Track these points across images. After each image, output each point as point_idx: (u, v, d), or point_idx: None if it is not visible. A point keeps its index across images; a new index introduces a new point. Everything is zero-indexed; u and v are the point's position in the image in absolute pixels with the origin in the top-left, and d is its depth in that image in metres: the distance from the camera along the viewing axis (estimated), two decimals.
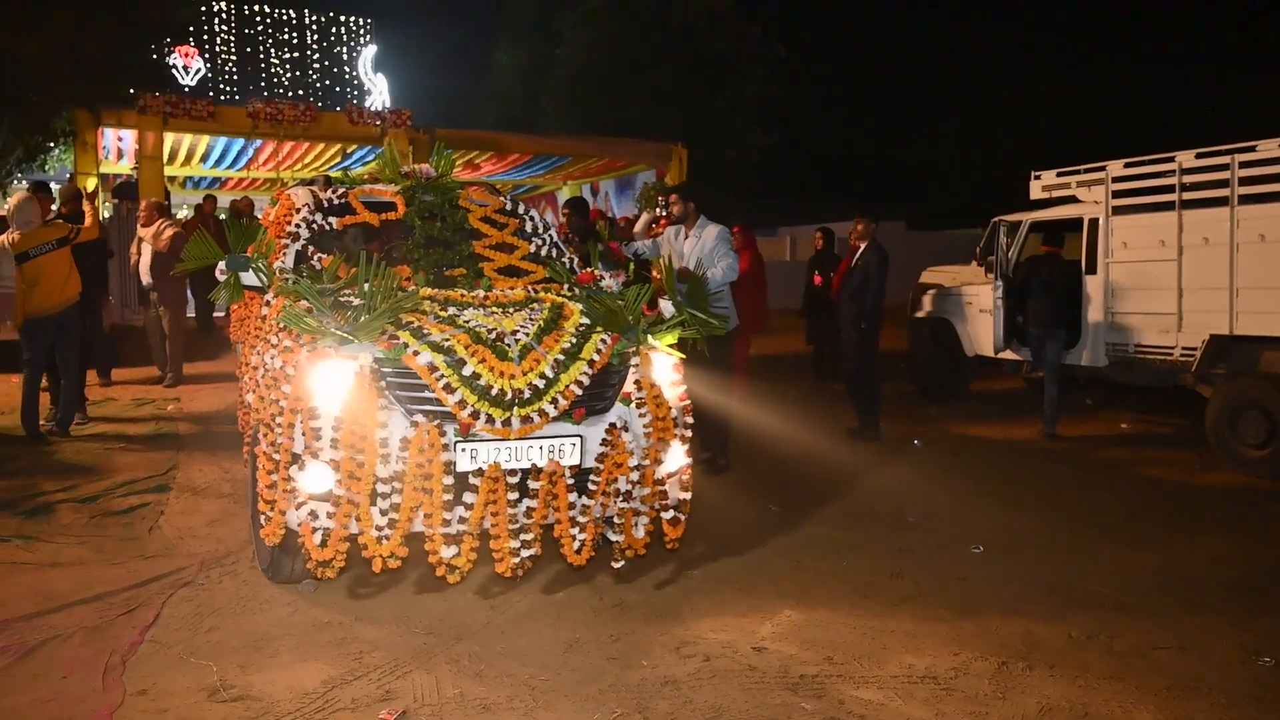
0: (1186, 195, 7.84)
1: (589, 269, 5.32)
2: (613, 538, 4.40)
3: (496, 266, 5.19)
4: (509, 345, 4.05)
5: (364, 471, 3.78)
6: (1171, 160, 7.97)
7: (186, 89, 29.39)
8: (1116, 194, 8.50)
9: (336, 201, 5.39)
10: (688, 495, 4.52)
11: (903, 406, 9.88)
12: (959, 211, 28.93)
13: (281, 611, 4.20)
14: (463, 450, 3.93)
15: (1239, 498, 6.69)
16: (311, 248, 5.04)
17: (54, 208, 9.09)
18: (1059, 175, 9.25)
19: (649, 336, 4.46)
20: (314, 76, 43.53)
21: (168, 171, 16.38)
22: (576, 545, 4.12)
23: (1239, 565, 5.17)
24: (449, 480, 3.84)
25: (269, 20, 42.41)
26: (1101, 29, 33.27)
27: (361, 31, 44.45)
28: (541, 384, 3.98)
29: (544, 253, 5.54)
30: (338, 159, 17.76)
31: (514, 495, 3.94)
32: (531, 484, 3.98)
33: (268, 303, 4.58)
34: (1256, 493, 6.82)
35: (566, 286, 5.04)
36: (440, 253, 5.11)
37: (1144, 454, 8.02)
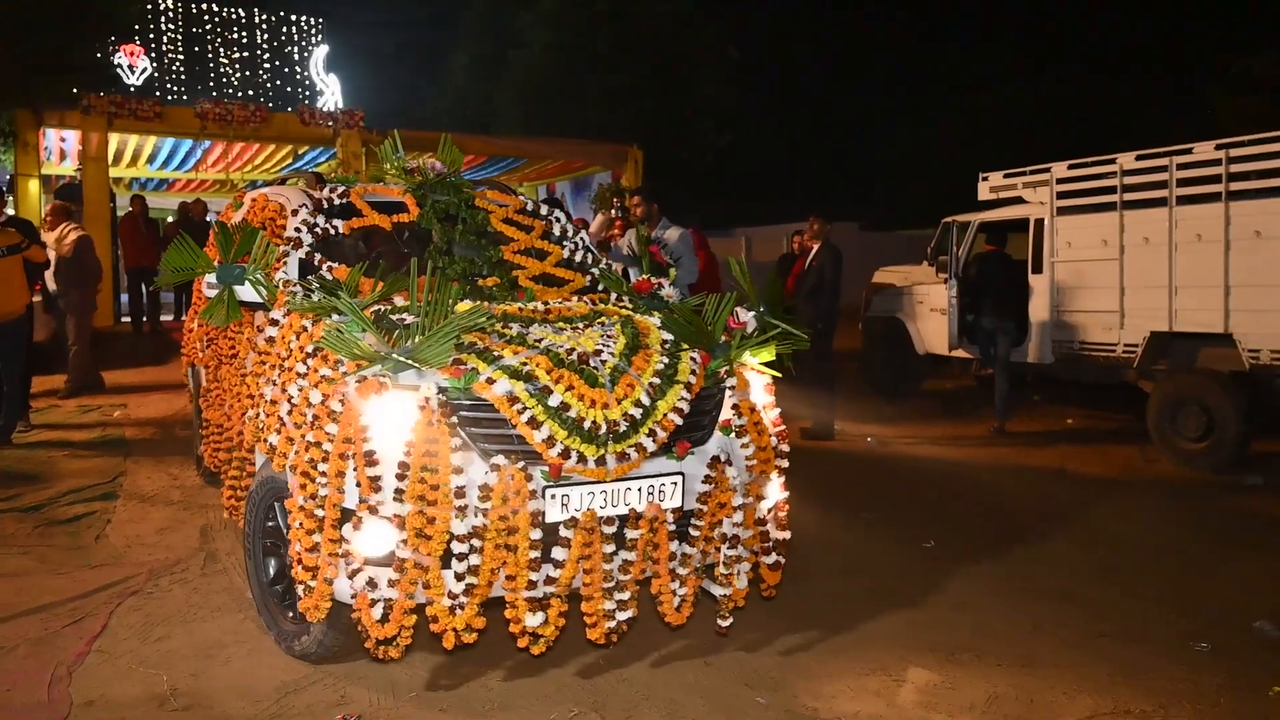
0: (1127, 196, 8.04)
1: (644, 276, 4.78)
2: (717, 591, 3.74)
3: (530, 275, 4.61)
4: (596, 368, 3.45)
5: (436, 528, 3.12)
6: (1113, 162, 8.17)
7: (132, 88, 28.85)
8: (1061, 195, 8.68)
9: (337, 202, 4.69)
10: (787, 534, 3.90)
11: (857, 405, 10.01)
12: (912, 213, 29.29)
13: (234, 619, 4.15)
14: (552, 497, 3.28)
15: (1180, 490, 6.87)
16: (319, 256, 4.34)
17: (8, 212, 8.92)
18: (1006, 176, 9.43)
19: (743, 353, 3.90)
20: (264, 76, 42.91)
21: (113, 173, 16.08)
22: (677, 601, 3.56)
23: (1179, 556, 5.32)
24: (537, 534, 3.21)
25: (217, 19, 41.75)
26: (1054, 35, 33.97)
27: (313, 31, 43.90)
28: (638, 414, 3.39)
29: (578, 258, 4.95)
30: (289, 160, 17.55)
31: (609, 547, 3.33)
32: (629, 533, 3.38)
33: (273, 321, 3.90)
34: (1196, 485, 7.01)
35: (612, 296, 4.56)
36: (467, 260, 4.50)
37: (1089, 449, 8.20)
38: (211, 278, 4.14)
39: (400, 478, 3.14)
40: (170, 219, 16.31)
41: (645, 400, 3.42)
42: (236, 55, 42.14)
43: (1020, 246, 9.18)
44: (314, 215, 4.53)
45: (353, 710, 3.34)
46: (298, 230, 4.43)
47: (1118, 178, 8.09)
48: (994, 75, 32.77)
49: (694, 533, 3.55)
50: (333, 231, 4.51)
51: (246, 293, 4.12)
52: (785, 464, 3.91)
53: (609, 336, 3.69)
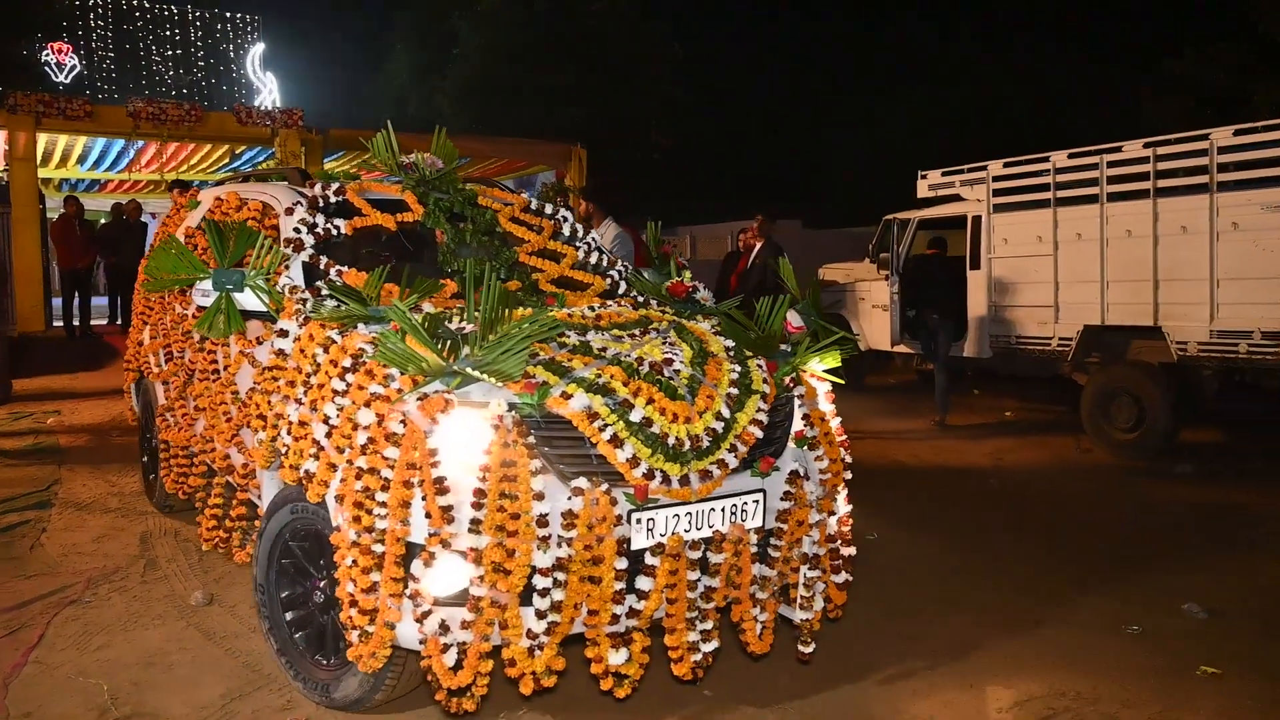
0: (1061, 194, 8.26)
1: (676, 278, 4.48)
2: (798, 616, 3.48)
3: (548, 278, 4.27)
4: (671, 379, 3.18)
5: (517, 562, 2.80)
6: (1046, 160, 8.38)
7: (60, 87, 28.09)
8: (997, 192, 8.89)
9: (334, 200, 4.22)
10: (853, 550, 3.64)
11: None
12: (855, 210, 29.64)
13: (176, 626, 4.09)
14: (637, 522, 3.00)
15: (1113, 479, 7.08)
16: (324, 259, 3.87)
17: None
18: (943, 175, 9.62)
19: (808, 360, 3.67)
20: (198, 75, 42.04)
21: (41, 174, 15.64)
22: (759, 629, 3.34)
23: (1112, 542, 5.48)
24: (622, 563, 2.93)
25: (148, 16, 40.79)
26: (992, 36, 34.69)
27: (249, 29, 43.11)
28: (720, 427, 3.16)
29: (593, 260, 4.63)
30: (226, 160, 17.26)
31: (693, 574, 3.09)
32: (711, 557, 3.13)
33: (282, 332, 3.53)
34: (1128, 473, 7.22)
35: (637, 299, 4.28)
36: (482, 262, 4.12)
37: (1027, 440, 8.40)
38: (206, 284, 3.72)
39: (477, 506, 2.80)
40: (104, 220, 15.91)
41: (725, 412, 3.20)
42: (169, 53, 41.22)
43: (958, 243, 9.37)
44: (313, 214, 4.05)
45: (300, 714, 3.31)
46: (297, 231, 3.95)
47: (1051, 175, 8.30)
48: (935, 75, 33.30)
49: (774, 553, 3.33)
50: (335, 232, 4.04)
51: (249, 300, 3.73)
52: (849, 476, 3.69)
53: (671, 344, 3.42)
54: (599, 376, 3.04)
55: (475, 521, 2.80)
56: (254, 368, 3.84)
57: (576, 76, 26.60)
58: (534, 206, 4.73)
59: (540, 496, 2.84)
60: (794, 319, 3.84)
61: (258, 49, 31.84)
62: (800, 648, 3.53)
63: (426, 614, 2.83)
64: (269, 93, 28.95)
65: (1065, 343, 8.24)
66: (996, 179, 8.89)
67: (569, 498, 2.89)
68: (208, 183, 19.15)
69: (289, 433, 3.33)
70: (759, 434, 3.26)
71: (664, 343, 3.41)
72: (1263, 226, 6.89)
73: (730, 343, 3.53)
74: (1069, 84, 29.22)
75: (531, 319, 3.12)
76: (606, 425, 2.95)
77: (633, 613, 2.97)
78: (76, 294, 13.11)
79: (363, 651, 2.94)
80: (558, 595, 2.86)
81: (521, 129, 22.22)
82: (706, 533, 3.13)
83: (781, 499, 3.32)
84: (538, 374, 2.99)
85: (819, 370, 3.70)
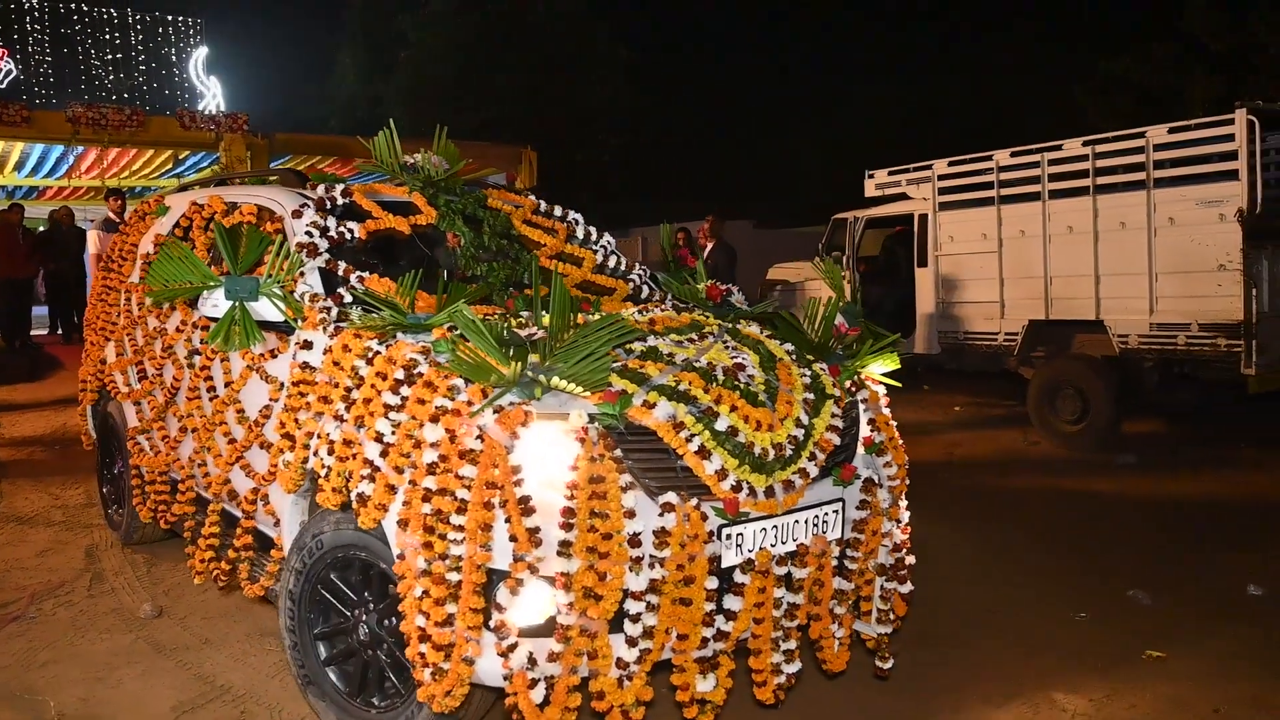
0: (1004, 191, 8.41)
1: (709, 281, 4.30)
2: (875, 630, 3.35)
3: (572, 282, 4.10)
4: (745, 384, 3.03)
5: (609, 586, 2.60)
6: (990, 159, 8.53)
7: None
8: (942, 190, 9.03)
9: (341, 202, 3.96)
10: (913, 559, 3.47)
11: None
12: (805, 210, 29.90)
13: (124, 639, 4.01)
14: (727, 538, 2.84)
15: (1059, 470, 7.23)
16: (344, 264, 3.57)
17: None
18: (890, 174, 9.74)
19: (868, 363, 3.54)
20: (140, 79, 41.25)
21: None
22: (838, 645, 3.20)
23: (1059, 531, 5.60)
24: (713, 583, 2.75)
25: (87, 19, 39.94)
26: (938, 34, 35.19)
27: (191, 32, 42.41)
28: (800, 434, 3.03)
29: (611, 264, 4.46)
30: (169, 165, 16.94)
31: (779, 591, 2.92)
32: (795, 572, 2.96)
33: (306, 344, 3.30)
34: (1074, 465, 7.38)
35: (675, 302, 4.12)
36: (508, 267, 3.95)
37: (976, 434, 8.55)
38: (217, 294, 3.47)
39: (566, 527, 2.58)
40: (42, 229, 15.54)
41: (804, 419, 3.07)
42: (109, 57, 40.40)
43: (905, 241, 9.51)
44: (324, 217, 3.77)
45: None
46: (310, 234, 3.66)
47: (994, 174, 8.45)
48: (883, 75, 33.72)
49: (850, 565, 3.17)
50: (349, 236, 3.76)
51: (265, 310, 3.48)
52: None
53: (731, 349, 3.26)
54: (678, 383, 2.87)
55: (565, 543, 2.57)
56: (267, 383, 3.57)
57: (526, 78, 26.54)
58: (543, 208, 4.53)
59: (631, 514, 2.64)
60: (844, 320, 3.67)
61: (200, 53, 31.27)
62: (878, 663, 3.37)
63: (513, 647, 2.59)
64: (213, 97, 28.44)
65: (1011, 338, 8.40)
66: (942, 177, 9.03)
67: (659, 514, 2.70)
68: (150, 189, 18.81)
69: (329, 453, 3.02)
70: (837, 440, 3.15)
71: (726, 347, 3.25)
72: (1197, 221, 7.08)
73: (789, 346, 3.42)
74: (1012, 84, 29.72)
75: (602, 323, 2.83)
76: (693, 435, 2.78)
77: (720, 635, 2.79)
78: (17, 304, 12.79)
79: (436, 691, 2.65)
80: (650, 620, 2.65)
81: (471, 131, 22.11)
82: (791, 546, 2.96)
83: (857, 508, 3.19)
84: (614, 381, 2.80)
85: (878, 374, 3.58)
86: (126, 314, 4.90)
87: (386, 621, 2.98)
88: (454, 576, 2.63)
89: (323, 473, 3.05)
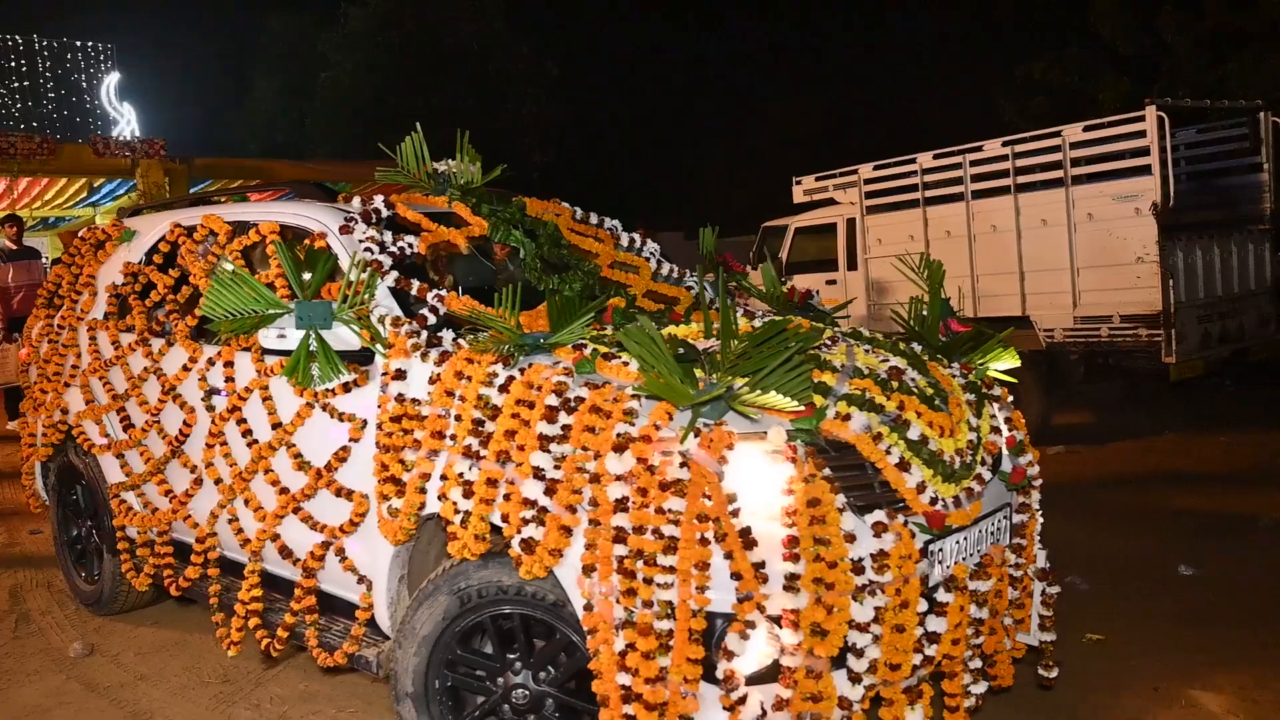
0: (928, 193, 8.59)
1: (788, 284, 4.08)
2: (1039, 638, 3.15)
3: (641, 292, 3.85)
4: (912, 385, 2.82)
5: (835, 619, 2.33)
6: (913, 162, 8.70)
7: None
8: (869, 194, 9.18)
9: (385, 214, 3.60)
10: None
11: None
12: (734, 219, 30.20)
13: (54, 680, 3.85)
14: (930, 555, 2.63)
15: None
16: (418, 282, 3.25)
17: None
18: (817, 180, 9.88)
19: (991, 361, 3.36)
20: (48, 107, 40.11)
21: None
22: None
23: None
24: (923, 605, 2.52)
25: None
26: (858, 41, 36.00)
27: (101, 58, 41.37)
28: (974, 438, 2.87)
29: (664, 271, 4.20)
30: (84, 194, 16.45)
31: (972, 607, 2.70)
32: (978, 585, 2.72)
33: (398, 373, 2.92)
34: None
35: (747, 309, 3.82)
36: (581, 278, 3.66)
37: None
38: (286, 322, 3.04)
39: (793, 558, 2.31)
40: None
41: (973, 421, 2.91)
42: (17, 84, 39.16)
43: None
44: (379, 232, 3.39)
45: None
46: (369, 251, 3.27)
47: (918, 176, 8.62)
48: (804, 83, 34.29)
49: (1015, 573, 2.97)
50: (408, 251, 3.40)
51: (343, 336, 3.07)
52: None
53: (872, 350, 3.05)
54: (862, 391, 2.65)
55: (792, 576, 2.30)
56: (341, 421, 3.11)
57: (450, 97, 26.40)
58: (579, 215, 4.22)
59: (851, 538, 2.38)
60: (953, 319, 3.46)
61: (112, 78, 30.47)
62: (1043, 672, 3.12)
63: (743, 699, 2.31)
64: (127, 123, 27.74)
65: None
66: (868, 181, 9.18)
67: (873, 535, 2.44)
68: (65, 219, 18.25)
69: (465, 495, 2.66)
70: (1002, 443, 3.01)
71: (866, 351, 3.01)
72: (1114, 216, 7.30)
73: (918, 347, 3.23)
74: (933, 88, 30.49)
75: (771, 330, 2.50)
76: (891, 447, 2.57)
77: (926, 660, 2.56)
78: None
79: None
80: (874, 653, 2.41)
81: (394, 151, 21.91)
82: (976, 558, 2.77)
83: (1017, 511, 3.02)
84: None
85: (999, 372, 3.40)
86: (94, 354, 4.30)
87: (540, 683, 2.70)
88: (664, 625, 2.32)
89: (456, 519, 2.67)
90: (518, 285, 2.94)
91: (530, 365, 2.71)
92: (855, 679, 2.38)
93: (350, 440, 3.07)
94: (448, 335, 2.95)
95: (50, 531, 4.96)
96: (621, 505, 2.38)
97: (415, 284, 3.21)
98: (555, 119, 28.50)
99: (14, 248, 8.85)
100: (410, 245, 3.39)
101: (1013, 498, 3.02)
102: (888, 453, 2.54)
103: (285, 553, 3.30)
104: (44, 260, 11.11)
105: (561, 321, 2.80)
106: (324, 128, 27.64)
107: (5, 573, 5.32)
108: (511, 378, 2.70)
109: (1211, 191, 8.37)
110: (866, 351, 3.00)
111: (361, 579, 3.07)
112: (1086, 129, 7.51)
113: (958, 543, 2.70)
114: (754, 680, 2.34)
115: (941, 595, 2.58)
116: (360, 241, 3.32)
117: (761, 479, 2.39)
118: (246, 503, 3.45)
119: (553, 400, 2.56)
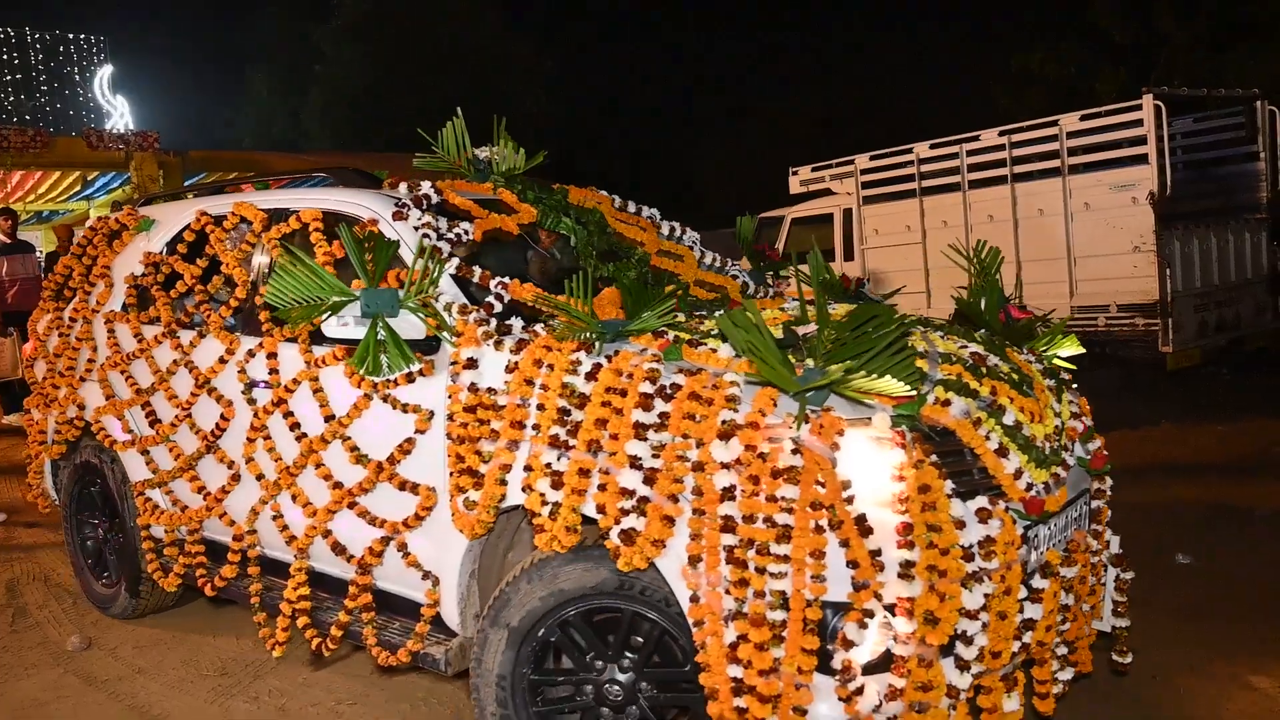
0: (925, 183, 8.58)
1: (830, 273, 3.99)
2: (1114, 624, 3.13)
3: (690, 280, 3.82)
4: (994, 370, 2.78)
5: (947, 607, 2.30)
6: (910, 151, 8.70)
7: None
8: (865, 185, 9.18)
9: (435, 200, 3.48)
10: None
11: None
12: (731, 210, 30.19)
13: (51, 674, 3.85)
14: (1029, 540, 2.61)
15: None
16: (480, 269, 3.16)
17: None
18: (814, 170, 9.89)
19: (1055, 348, 3.33)
20: (42, 99, 39.96)
21: None
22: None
23: None
24: (1023, 591, 2.50)
25: None
26: (861, 35, 36.06)
27: (95, 51, 41.20)
28: (1059, 423, 2.87)
29: (707, 260, 4.17)
30: (78, 187, 16.42)
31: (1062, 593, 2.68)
32: (1066, 571, 2.71)
33: (469, 362, 2.84)
34: None
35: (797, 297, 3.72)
36: (634, 267, 3.62)
37: None
38: (352, 310, 2.92)
39: (908, 545, 2.29)
40: None
41: (1056, 406, 2.91)
42: (10, 77, 39.03)
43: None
44: (434, 218, 3.30)
45: None
46: (427, 237, 3.17)
47: (915, 166, 8.62)
48: (802, 78, 34.31)
49: (1093, 559, 2.94)
50: (464, 238, 3.31)
51: (410, 324, 2.95)
52: None
53: (947, 336, 3.00)
54: (957, 377, 2.63)
55: (907, 564, 2.27)
56: (406, 412, 3.00)
57: (448, 92, 26.34)
58: (617, 203, 4.16)
59: (961, 524, 2.34)
60: (1013, 305, 3.40)
61: (106, 71, 30.39)
62: (1117, 658, 3.12)
63: (860, 689, 2.27)
64: (120, 116, 27.66)
65: None
66: (864, 171, 9.18)
67: (978, 522, 2.40)
68: (59, 212, 18.19)
69: (554, 486, 2.59)
70: (1081, 429, 3.00)
71: (942, 337, 2.96)
72: (1111, 205, 7.31)
73: (984, 332, 3.19)
74: (929, 82, 30.50)
75: (866, 314, 2.47)
76: (990, 432, 2.55)
77: (1024, 647, 2.53)
78: None
79: None
80: (982, 640, 2.36)
81: (393, 145, 21.85)
82: (1064, 545, 2.76)
83: (1094, 496, 3.01)
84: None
85: (1063, 359, 3.36)
86: (113, 347, 4.16)
87: (638, 680, 2.63)
88: (777, 615, 2.29)
89: (544, 511, 2.59)
90: (588, 273, 2.89)
91: (617, 353, 2.65)
92: (964, 667, 2.34)
93: (416, 432, 2.96)
94: (517, 323, 2.88)
95: (63, 533, 4.76)
96: (729, 494, 2.33)
97: (477, 271, 3.13)
98: (555, 114, 28.46)
99: (8, 241, 8.83)
100: (466, 232, 3.29)
101: (1090, 483, 3.01)
102: (986, 438, 2.53)
103: (339, 549, 3.18)
104: (38, 254, 11.08)
105: (637, 308, 2.75)
106: (319, 121, 27.58)
107: (2, 567, 5.31)
108: (598, 365, 2.63)
109: (1208, 180, 8.38)
110: (942, 338, 2.96)
111: (426, 575, 2.97)
112: (1083, 118, 7.51)
113: (1049, 529, 2.68)
114: (869, 670, 2.31)
115: (1037, 582, 2.56)
116: (416, 228, 3.22)
117: (870, 465, 2.35)
118: (294, 498, 3.33)
119: (647, 388, 2.51)
